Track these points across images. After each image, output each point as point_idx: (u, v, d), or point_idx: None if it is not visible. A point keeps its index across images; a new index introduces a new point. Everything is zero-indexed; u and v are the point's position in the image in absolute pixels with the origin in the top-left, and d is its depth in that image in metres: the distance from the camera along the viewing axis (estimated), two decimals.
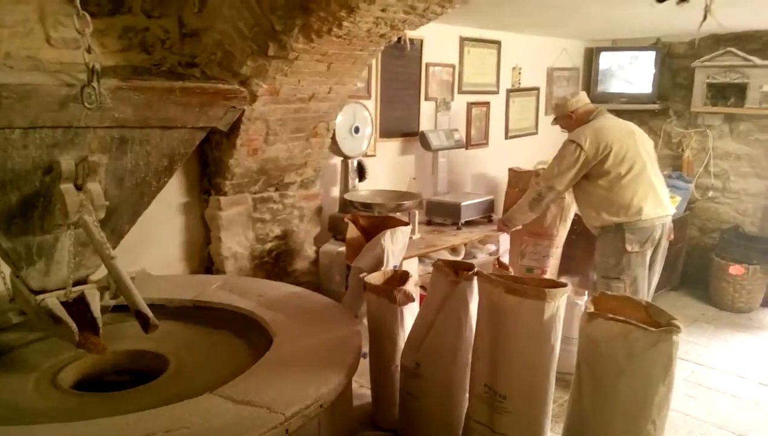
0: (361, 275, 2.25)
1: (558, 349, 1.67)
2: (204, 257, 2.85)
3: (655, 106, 5.38)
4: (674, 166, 5.53)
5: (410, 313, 2.03)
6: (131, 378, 1.81)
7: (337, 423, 1.64)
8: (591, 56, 5.43)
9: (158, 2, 2.61)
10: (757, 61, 4.68)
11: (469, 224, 3.83)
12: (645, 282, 3.32)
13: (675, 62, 5.36)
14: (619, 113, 5.69)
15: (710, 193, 5.41)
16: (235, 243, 2.81)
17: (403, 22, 2.53)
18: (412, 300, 2.04)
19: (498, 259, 3.47)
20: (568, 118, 3.43)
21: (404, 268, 2.72)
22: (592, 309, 1.56)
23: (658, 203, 3.29)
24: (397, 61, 3.81)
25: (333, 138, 3.18)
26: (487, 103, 4.56)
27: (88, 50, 1.44)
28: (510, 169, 4.32)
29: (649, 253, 3.31)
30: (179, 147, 1.86)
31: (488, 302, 1.73)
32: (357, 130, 3.35)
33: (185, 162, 2.72)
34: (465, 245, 3.76)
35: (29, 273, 1.74)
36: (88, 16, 1.44)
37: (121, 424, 1.36)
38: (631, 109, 5.51)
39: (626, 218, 3.19)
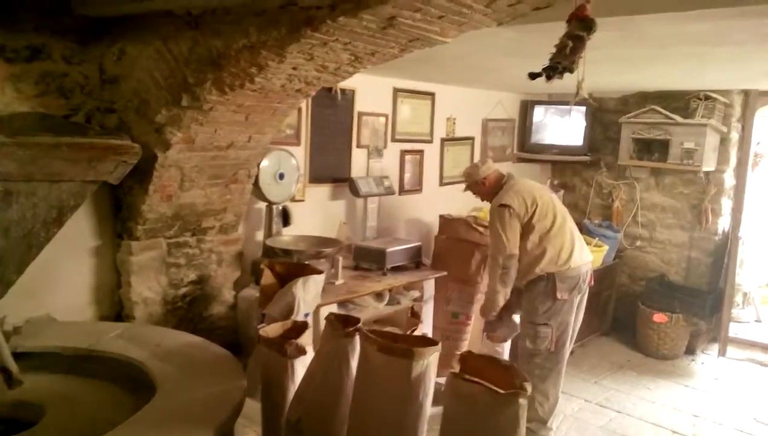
0: (257, 326, 2.28)
1: (428, 407, 1.72)
2: (114, 302, 2.83)
3: (587, 158, 5.60)
4: (604, 215, 5.74)
5: (302, 366, 2.06)
6: (4, 429, 1.79)
7: None
8: (526, 109, 5.64)
9: (79, 49, 2.65)
10: (679, 119, 4.95)
11: (395, 269, 3.89)
12: (570, 327, 3.49)
13: (605, 117, 5.61)
14: (553, 164, 5.96)
15: (638, 243, 5.62)
16: (146, 288, 2.80)
17: (317, 79, 2.61)
18: (304, 353, 2.06)
19: (412, 308, 3.54)
20: (480, 186, 3.64)
21: (324, 314, 2.75)
22: (457, 369, 1.62)
23: (581, 251, 3.50)
24: (329, 110, 3.90)
25: (256, 184, 3.23)
26: (420, 151, 4.69)
27: None
28: (440, 216, 4.42)
29: (576, 300, 3.47)
30: (68, 199, 1.88)
31: (363, 359, 1.78)
32: (282, 176, 3.40)
33: (98, 205, 2.74)
34: (390, 290, 3.81)
35: None
36: None
37: None
38: (563, 160, 5.74)
39: (557, 267, 3.38)
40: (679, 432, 3.88)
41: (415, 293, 3.90)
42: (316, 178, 3.88)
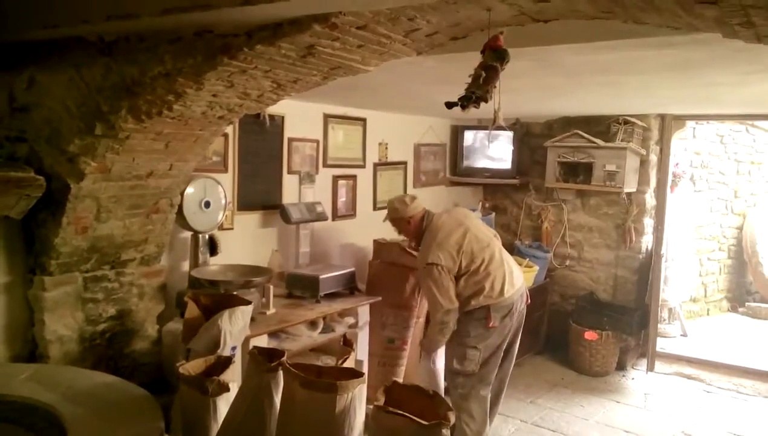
0: (177, 365, 2.18)
1: None
2: (27, 340, 2.66)
3: (516, 181, 5.75)
4: (534, 236, 5.89)
5: (225, 403, 1.98)
6: None
7: None
8: (456, 133, 5.75)
9: None
10: (600, 142, 5.15)
11: (329, 296, 3.84)
12: (497, 350, 3.54)
13: (533, 140, 5.79)
14: (484, 187, 6.08)
15: (567, 262, 5.77)
16: (62, 326, 2.65)
17: (239, 106, 2.58)
18: (227, 390, 1.99)
19: (344, 336, 3.51)
20: (405, 223, 3.64)
21: (252, 345, 2.67)
22: (381, 401, 1.60)
23: (512, 280, 3.56)
24: (257, 136, 3.86)
25: (180, 213, 3.13)
26: (353, 177, 4.69)
27: None
28: (374, 241, 4.42)
29: (508, 325, 3.53)
30: None
31: (287, 395, 1.73)
32: (208, 204, 3.32)
33: (7, 239, 2.59)
34: (324, 318, 3.75)
35: None
36: None
37: None
38: (494, 183, 5.87)
39: (492, 300, 3.44)
40: None
41: (350, 320, 3.86)
42: (245, 205, 3.81)
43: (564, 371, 5.32)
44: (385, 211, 3.77)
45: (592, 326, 5.22)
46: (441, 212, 3.69)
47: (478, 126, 5.75)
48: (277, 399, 1.81)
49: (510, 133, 5.61)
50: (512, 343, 3.68)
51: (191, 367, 2.09)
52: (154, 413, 1.89)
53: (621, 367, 5.34)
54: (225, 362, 2.16)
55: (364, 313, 3.96)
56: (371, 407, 1.68)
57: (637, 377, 5.27)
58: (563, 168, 5.43)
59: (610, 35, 2.02)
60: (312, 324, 3.70)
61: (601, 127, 5.29)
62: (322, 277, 3.78)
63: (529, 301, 3.77)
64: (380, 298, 4.02)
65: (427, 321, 3.81)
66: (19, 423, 1.95)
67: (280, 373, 1.82)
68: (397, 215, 3.64)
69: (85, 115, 2.40)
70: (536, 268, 5.34)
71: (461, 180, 5.76)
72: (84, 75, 2.39)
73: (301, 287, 3.80)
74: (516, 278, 3.61)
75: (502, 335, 3.52)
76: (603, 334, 5.17)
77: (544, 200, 5.82)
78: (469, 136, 5.73)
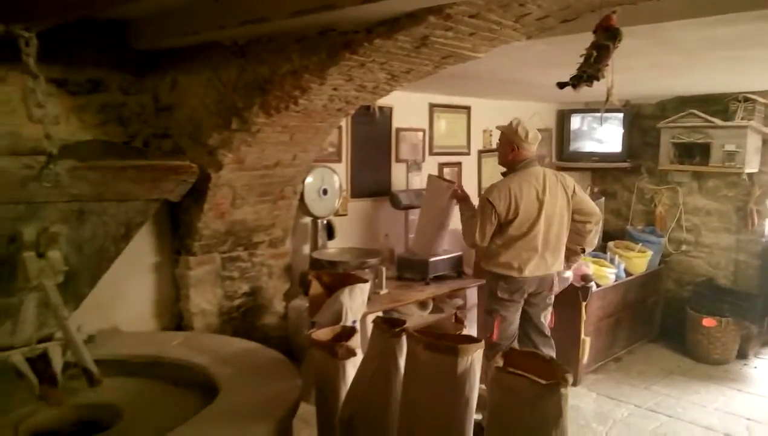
0: (308, 332, 2.41)
1: (474, 400, 1.81)
2: (174, 314, 3.02)
3: (626, 165, 5.60)
4: (647, 220, 5.71)
5: (352, 366, 2.17)
6: (87, 429, 1.96)
7: None
8: (563, 118, 5.69)
9: (135, 81, 2.87)
10: (718, 122, 4.91)
11: (437, 279, 3.98)
12: (515, 324, 3.57)
13: (644, 122, 5.61)
14: (592, 172, 5.97)
15: (683, 247, 5.56)
16: (204, 300, 2.98)
17: (356, 98, 2.76)
18: (354, 354, 2.18)
19: (456, 314, 3.62)
20: (508, 147, 3.56)
21: (369, 323, 2.87)
22: (500, 364, 1.71)
23: (539, 265, 3.50)
24: (368, 127, 4.06)
25: (302, 199, 3.39)
26: (458, 164, 4.79)
27: (47, 136, 1.65)
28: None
29: (520, 301, 3.55)
30: (135, 217, 2.06)
31: (411, 357, 1.88)
32: (325, 191, 3.56)
33: (158, 224, 2.94)
34: (433, 299, 3.91)
35: None
36: (48, 107, 1.65)
37: None
38: (603, 167, 5.75)
39: (504, 271, 3.48)
40: (732, 435, 3.83)
41: (459, 301, 3.99)
42: (357, 192, 4.03)
43: (680, 358, 5.15)
44: None
45: (710, 312, 5.01)
46: (542, 170, 3.58)
47: (586, 109, 5.65)
48: (401, 362, 1.97)
49: (620, 116, 5.48)
50: (535, 322, 3.65)
51: (321, 334, 2.30)
52: (292, 373, 2.12)
53: (742, 355, 5.08)
54: (350, 332, 2.36)
55: (471, 295, 4.07)
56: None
57: (760, 366, 5.01)
58: (678, 149, 5.24)
59: (727, 8, 1.99)
60: (422, 305, 3.87)
61: (719, 105, 5.04)
62: (431, 260, 3.94)
63: (556, 289, 3.70)
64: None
65: None
66: (175, 382, 2.24)
67: (404, 338, 1.98)
68: (509, 133, 3.55)
69: (222, 111, 2.68)
70: (649, 253, 5.20)
71: (568, 165, 5.68)
72: (221, 76, 2.66)
73: (411, 270, 3.98)
74: (548, 264, 3.53)
75: (514, 310, 3.54)
76: (723, 321, 4.95)
77: (657, 184, 5.63)
78: (576, 120, 5.65)
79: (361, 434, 1.99)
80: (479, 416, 1.94)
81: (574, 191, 3.57)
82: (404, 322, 2.09)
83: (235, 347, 2.43)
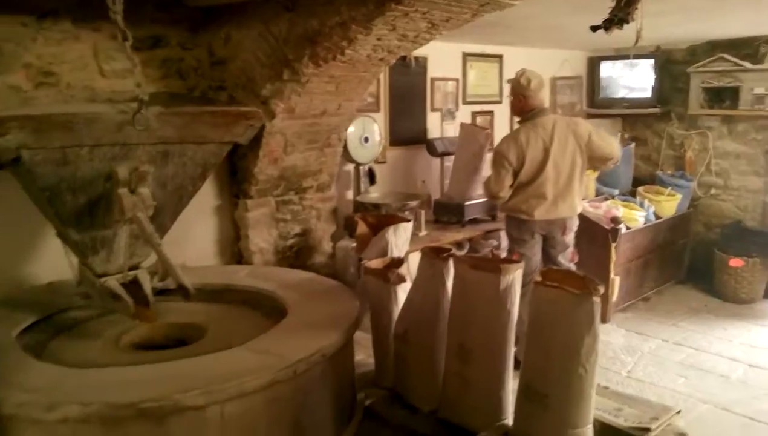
0: (363, 261, 2.66)
1: (515, 314, 2.05)
2: (235, 252, 3.30)
3: (656, 110, 5.68)
4: (677, 165, 5.81)
5: (402, 291, 2.42)
6: (176, 345, 2.25)
7: (339, 374, 2.05)
8: (593, 65, 5.76)
9: (191, 37, 3.08)
10: (748, 65, 4.96)
11: (473, 221, 4.21)
12: (533, 260, 3.71)
13: (674, 68, 5.65)
14: (623, 118, 6.05)
15: (712, 191, 5.67)
16: (261, 240, 3.25)
17: (397, 47, 2.94)
18: (404, 281, 2.43)
19: (492, 251, 3.87)
20: (517, 98, 3.70)
21: (410, 261, 3.12)
22: (539, 280, 1.94)
23: (549, 210, 3.64)
24: (404, 77, 4.23)
25: (345, 147, 3.61)
26: (490, 112, 4.94)
27: (138, 85, 1.88)
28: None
29: (534, 242, 3.72)
30: (210, 158, 2.31)
31: (459, 278, 2.11)
32: (366, 139, 3.78)
33: (218, 171, 3.18)
34: (469, 240, 4.14)
35: (94, 260, 2.21)
36: (136, 58, 1.88)
37: (173, 365, 1.81)
38: (633, 113, 5.83)
39: (515, 214, 3.70)
40: (756, 365, 4.03)
41: (493, 242, 4.20)
42: (395, 140, 4.23)
43: (707, 298, 5.32)
44: None
45: (738, 253, 5.15)
46: (553, 118, 3.69)
47: (616, 56, 5.71)
48: (448, 284, 2.20)
49: (650, 61, 5.53)
50: (554, 262, 3.81)
51: (374, 264, 2.55)
52: (350, 296, 2.38)
53: None
54: (399, 262, 2.60)
55: (505, 236, 4.27)
56: None
57: None
58: (708, 94, 5.30)
59: None
60: (458, 245, 4.10)
61: (749, 49, 5.07)
62: (466, 203, 4.15)
63: (571, 232, 3.80)
64: None
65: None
66: (247, 305, 2.53)
67: (450, 263, 2.21)
68: (515, 84, 3.70)
69: (274, 63, 2.89)
70: (678, 197, 5.32)
71: (599, 112, 5.79)
72: (272, 29, 2.86)
73: (447, 213, 4.20)
74: (560, 209, 3.66)
75: (531, 250, 3.71)
76: (750, 261, 5.10)
77: (687, 129, 5.71)
78: (606, 67, 5.72)
79: (414, 346, 2.24)
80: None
81: (589, 138, 3.64)
82: (450, 249, 2.32)
83: (296, 276, 2.70)
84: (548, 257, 3.79)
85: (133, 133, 2.01)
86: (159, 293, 2.39)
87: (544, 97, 3.75)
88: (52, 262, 2.51)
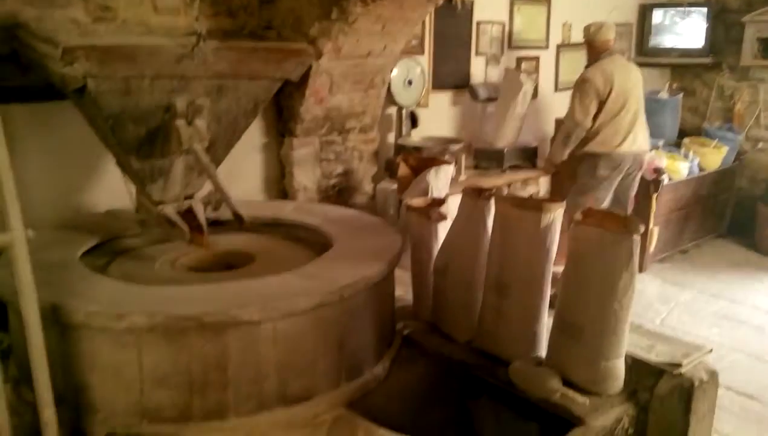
0: (405, 200, 2.73)
1: (553, 252, 2.10)
2: (280, 190, 3.41)
3: (707, 60, 5.51)
4: (726, 118, 5.67)
5: (443, 229, 2.49)
6: (227, 270, 2.38)
7: (381, 302, 2.16)
8: (644, 12, 5.58)
9: None
10: None
11: (512, 168, 4.23)
12: (605, 203, 3.97)
13: (728, 17, 5.45)
14: (672, 68, 5.89)
15: (760, 145, 5.53)
16: (305, 178, 3.35)
17: None
18: (445, 218, 2.50)
19: (531, 196, 3.90)
20: (587, 46, 4.06)
21: (449, 203, 3.18)
22: (579, 218, 1.99)
23: (635, 141, 3.91)
24: (449, 20, 4.19)
25: (388, 90, 3.65)
26: (536, 58, 4.87)
27: (197, 19, 1.95)
28: (556, 120, 4.65)
29: (612, 180, 3.93)
30: (261, 94, 2.39)
31: (500, 215, 2.17)
32: (410, 82, 3.80)
33: (265, 109, 3.26)
34: (509, 186, 4.17)
35: (152, 189, 2.33)
36: None
37: (230, 285, 1.94)
38: (683, 63, 5.67)
39: (603, 148, 3.85)
40: None
41: (532, 189, 4.23)
42: (438, 85, 4.23)
43: (748, 253, 5.27)
44: (567, 93, 4.12)
45: None
46: (620, 56, 4.07)
47: (668, 3, 5.52)
48: (489, 222, 2.26)
49: (703, 10, 5.34)
50: (621, 199, 4.03)
51: (416, 202, 2.63)
52: (393, 231, 2.47)
53: None
54: (440, 201, 2.67)
55: (545, 184, 4.30)
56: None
57: None
58: (762, 45, 5.12)
59: None
60: (498, 190, 4.13)
61: None
62: (507, 149, 4.17)
63: (641, 170, 4.08)
64: (559, 171, 4.31)
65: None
66: (293, 238, 2.64)
67: (491, 201, 2.27)
68: (585, 38, 4.11)
69: (322, 2, 2.91)
70: (724, 149, 5.22)
71: (648, 60, 5.64)
72: None
73: (487, 159, 4.23)
74: (639, 141, 3.91)
75: (609, 188, 3.89)
76: None
77: (738, 80, 5.53)
78: (658, 15, 5.54)
79: (453, 280, 2.33)
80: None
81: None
82: (491, 189, 2.37)
83: (340, 212, 2.79)
84: (614, 198, 3.95)
85: (190, 67, 2.09)
86: (210, 224, 2.52)
87: (612, 39, 4.05)
88: (111, 190, 2.67)
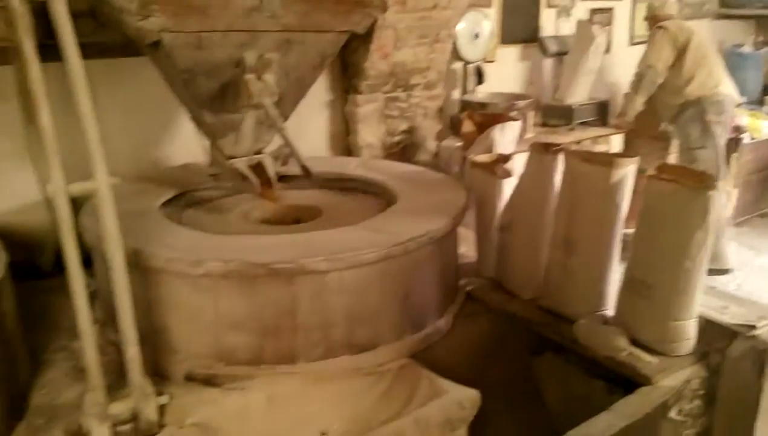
0: (470, 157, 2.70)
1: (624, 210, 2.05)
2: (344, 147, 3.44)
3: None
4: None
5: (508, 186, 2.46)
6: (294, 223, 2.45)
7: (445, 257, 2.17)
8: None
9: None
10: None
11: (582, 125, 4.10)
12: (724, 149, 3.84)
13: None
14: (756, 20, 5.51)
15: None
16: (370, 135, 3.36)
17: None
18: (510, 175, 2.46)
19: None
20: (651, 21, 4.03)
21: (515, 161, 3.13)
22: (653, 173, 1.92)
23: (729, 84, 3.83)
24: None
25: (454, 44, 3.58)
26: (610, 9, 4.65)
27: None
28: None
29: (723, 123, 3.80)
30: (328, 48, 2.39)
31: (569, 171, 2.12)
32: (477, 36, 3.71)
33: (330, 65, 3.27)
34: (578, 143, 4.05)
35: (224, 143, 2.40)
36: None
37: (299, 236, 2.00)
38: None
39: (704, 91, 3.73)
40: None
41: (603, 148, 4.10)
42: (506, 38, 4.12)
43: None
44: (642, 47, 3.97)
45: None
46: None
47: None
48: (556, 177, 2.22)
49: None
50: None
51: (482, 158, 2.60)
52: (458, 187, 2.46)
53: None
54: (506, 157, 2.62)
55: (616, 142, 4.15)
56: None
57: None
58: None
59: None
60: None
61: None
62: (576, 106, 4.03)
63: (734, 123, 4.01)
64: (633, 128, 4.14)
65: None
66: (358, 193, 2.67)
67: (559, 157, 2.22)
68: (648, 13, 4.13)
69: None
70: None
71: (730, 12, 5.29)
72: None
73: (555, 116, 4.11)
74: (732, 88, 3.83)
75: (723, 135, 3.77)
76: None
77: None
78: None
79: (518, 237, 2.31)
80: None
81: None
82: (560, 144, 2.31)
83: (405, 168, 2.80)
84: None
85: (259, 21, 2.11)
86: (278, 178, 2.57)
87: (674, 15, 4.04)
88: (186, 145, 2.77)
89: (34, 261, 2.44)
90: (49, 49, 1.53)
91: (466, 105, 3.71)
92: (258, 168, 2.44)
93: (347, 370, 1.87)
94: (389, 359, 1.92)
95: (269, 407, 1.71)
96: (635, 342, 1.93)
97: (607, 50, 4.74)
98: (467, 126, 3.31)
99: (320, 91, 3.29)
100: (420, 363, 1.93)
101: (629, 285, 1.97)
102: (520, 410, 2.17)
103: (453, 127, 3.80)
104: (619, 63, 4.74)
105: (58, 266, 1.68)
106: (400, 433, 1.66)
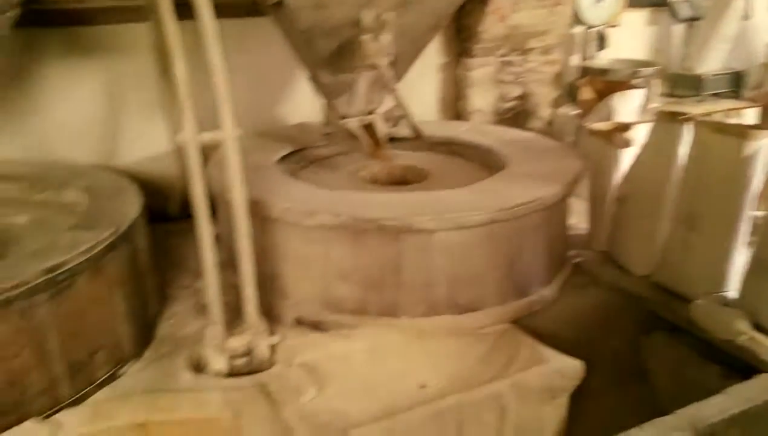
0: (589, 125, 2.60)
1: (756, 186, 1.89)
2: (454, 112, 3.41)
3: None
4: None
5: (627, 156, 2.35)
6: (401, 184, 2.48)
7: (554, 226, 2.12)
8: None
9: None
10: None
11: (713, 97, 3.80)
12: None
13: None
14: None
15: None
16: (481, 100, 3.31)
17: None
18: (629, 145, 2.34)
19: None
20: None
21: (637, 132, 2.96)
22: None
23: None
24: None
25: (576, 7, 3.42)
26: None
27: None
28: None
29: None
30: (444, 9, 2.37)
31: (698, 141, 1.98)
32: None
33: (444, 28, 3.24)
34: (707, 117, 3.76)
35: (338, 102, 2.46)
36: None
37: (407, 195, 2.05)
38: None
39: None
40: None
41: (735, 122, 3.78)
42: (633, 2, 3.86)
43: None
44: None
45: None
46: None
47: None
48: (681, 149, 2.08)
49: None
50: None
51: (600, 126, 2.49)
52: (573, 154, 2.38)
53: None
54: (625, 126, 2.50)
55: (750, 115, 3.81)
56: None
57: None
58: None
59: None
60: None
61: None
62: (706, 75, 3.74)
63: None
64: None
65: None
66: (467, 157, 2.65)
67: (685, 127, 2.08)
68: None
69: None
70: None
71: None
72: None
73: (683, 86, 3.84)
74: None
75: None
76: None
77: None
78: None
79: (635, 210, 2.21)
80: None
81: None
82: (687, 112, 2.17)
83: (515, 134, 2.74)
84: None
85: None
86: (388, 140, 2.61)
87: None
88: (302, 105, 2.87)
89: (163, 206, 2.65)
90: (180, 8, 1.63)
91: (585, 71, 3.55)
92: (369, 128, 2.49)
93: (448, 329, 1.90)
94: (491, 323, 1.93)
95: (371, 357, 1.77)
96: (758, 327, 1.80)
97: (747, 16, 4.32)
98: (587, 93, 3.19)
99: (432, 54, 3.27)
100: (522, 329, 1.92)
101: (757, 267, 1.83)
102: (625, 389, 2.11)
103: (570, 94, 3.65)
104: (760, 31, 4.31)
105: (184, 211, 1.82)
106: (498, 395, 1.67)
